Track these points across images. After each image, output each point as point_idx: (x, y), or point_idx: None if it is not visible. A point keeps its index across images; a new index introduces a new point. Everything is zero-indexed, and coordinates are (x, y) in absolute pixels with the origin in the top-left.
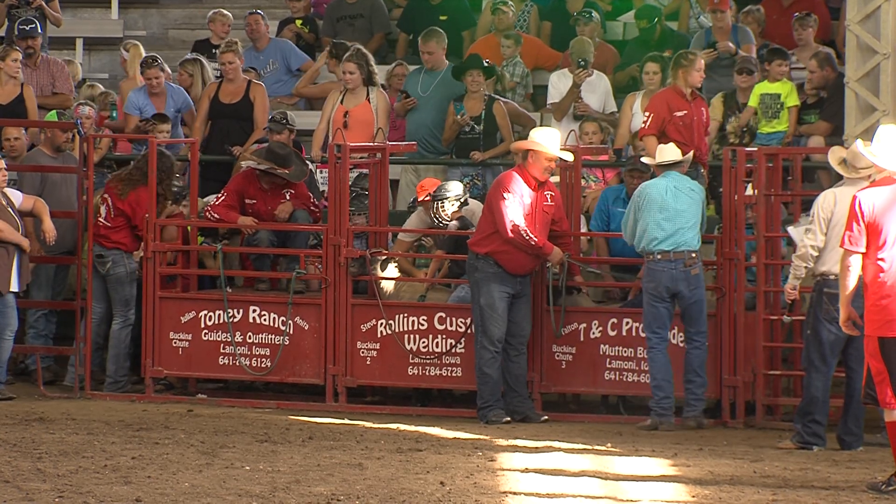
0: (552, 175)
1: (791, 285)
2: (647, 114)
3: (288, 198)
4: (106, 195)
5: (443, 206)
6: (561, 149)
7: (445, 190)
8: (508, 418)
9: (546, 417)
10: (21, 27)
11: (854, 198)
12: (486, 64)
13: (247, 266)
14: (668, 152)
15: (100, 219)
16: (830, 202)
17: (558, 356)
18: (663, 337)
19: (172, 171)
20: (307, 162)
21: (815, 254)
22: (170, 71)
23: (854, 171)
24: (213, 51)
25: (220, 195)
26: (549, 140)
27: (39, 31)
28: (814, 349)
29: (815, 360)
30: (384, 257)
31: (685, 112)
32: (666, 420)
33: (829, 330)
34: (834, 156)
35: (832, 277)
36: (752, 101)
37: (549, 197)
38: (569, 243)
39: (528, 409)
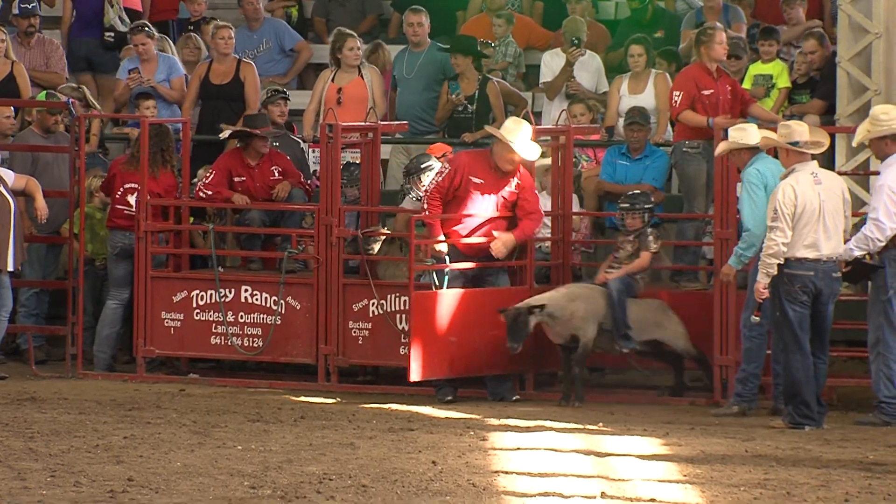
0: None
1: (763, 284)
2: (676, 93)
3: (277, 175)
4: (134, 184)
5: (420, 180)
6: (552, 125)
7: (421, 163)
8: (451, 397)
9: (518, 397)
10: (23, 6)
11: None
12: (479, 48)
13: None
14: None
15: (132, 209)
16: (791, 196)
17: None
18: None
19: (174, 145)
20: (298, 140)
21: (785, 250)
22: (158, 37)
23: (809, 147)
24: (190, 27)
25: (208, 174)
26: (515, 135)
27: (39, 9)
28: (785, 331)
29: (788, 341)
30: (382, 237)
31: (711, 91)
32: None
33: (795, 309)
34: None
35: (792, 259)
36: (746, 83)
37: (513, 183)
38: (536, 220)
39: (505, 389)
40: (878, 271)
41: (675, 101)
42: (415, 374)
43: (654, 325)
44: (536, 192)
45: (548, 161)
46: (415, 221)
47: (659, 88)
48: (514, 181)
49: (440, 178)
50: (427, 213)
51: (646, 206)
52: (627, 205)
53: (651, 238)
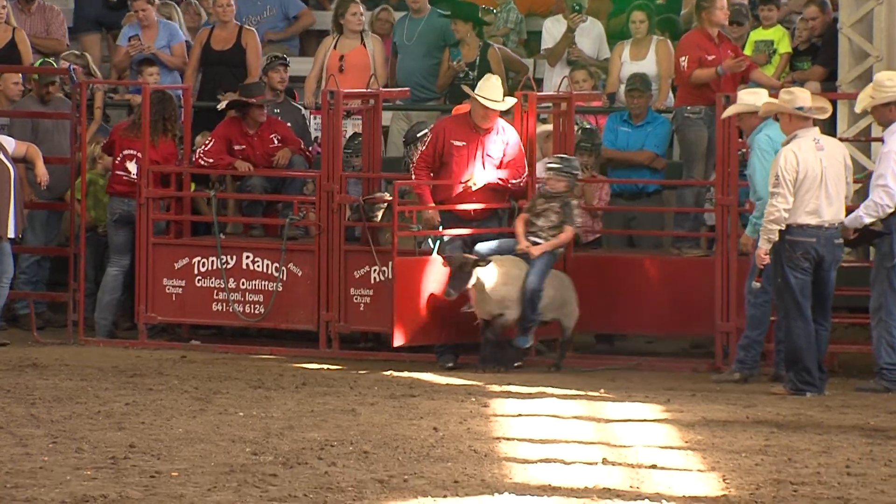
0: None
1: (764, 250)
2: (683, 57)
3: (276, 142)
4: (133, 151)
5: (418, 148)
6: (554, 91)
7: (418, 131)
8: (452, 364)
9: (520, 364)
10: None
11: None
12: (480, 14)
13: (239, 213)
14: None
15: (131, 175)
16: (793, 162)
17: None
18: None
19: (177, 112)
20: (299, 107)
21: (787, 216)
22: (162, 3)
23: (813, 112)
24: None
25: (207, 141)
26: (484, 89)
27: None
28: (787, 297)
29: (790, 307)
30: (386, 204)
31: (713, 56)
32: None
33: (796, 276)
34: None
35: (794, 225)
36: (747, 49)
37: (498, 141)
38: (515, 169)
39: (506, 355)
40: (883, 238)
41: (683, 65)
42: (398, 340)
43: (560, 306)
44: (537, 158)
45: (549, 127)
46: (398, 189)
47: (661, 55)
48: (499, 138)
49: (423, 147)
50: (413, 181)
51: (573, 172)
52: (558, 165)
53: (576, 211)
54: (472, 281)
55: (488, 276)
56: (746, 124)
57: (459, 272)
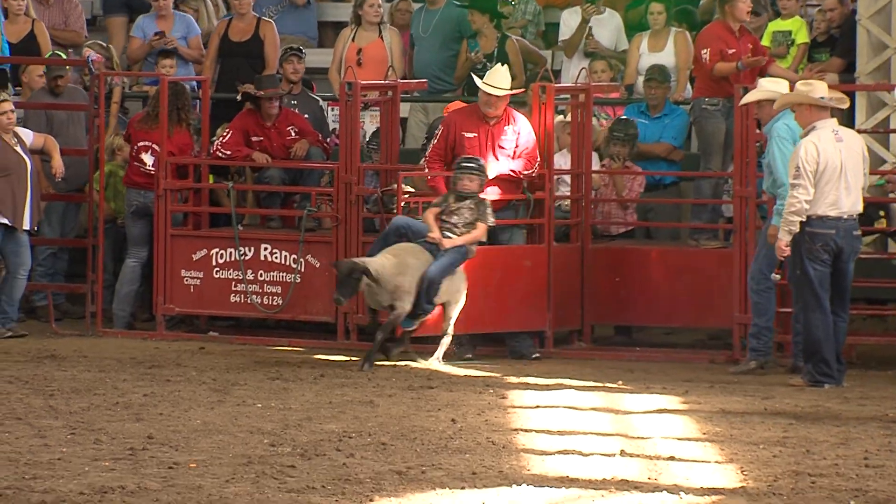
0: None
1: (784, 242)
2: (704, 49)
3: (294, 134)
4: (148, 143)
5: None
6: (572, 83)
7: (436, 127)
8: (470, 355)
9: (538, 355)
10: None
11: None
12: (498, 6)
13: (257, 205)
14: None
15: (146, 167)
16: (814, 153)
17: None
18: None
19: (190, 103)
20: (317, 98)
21: (808, 207)
22: None
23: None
24: None
25: (224, 133)
26: (489, 77)
27: None
28: (806, 289)
29: (809, 299)
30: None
31: (734, 50)
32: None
33: (815, 268)
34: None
35: (814, 217)
36: (765, 40)
37: (509, 132)
38: (528, 160)
39: (525, 346)
40: None
41: (705, 58)
42: (423, 331)
43: (448, 299)
44: (554, 150)
45: (567, 118)
46: (403, 179)
47: (679, 46)
48: (510, 129)
49: (435, 141)
50: (427, 175)
51: (483, 174)
52: (469, 164)
53: (489, 210)
54: (360, 288)
55: (383, 265)
56: (765, 113)
57: (348, 279)
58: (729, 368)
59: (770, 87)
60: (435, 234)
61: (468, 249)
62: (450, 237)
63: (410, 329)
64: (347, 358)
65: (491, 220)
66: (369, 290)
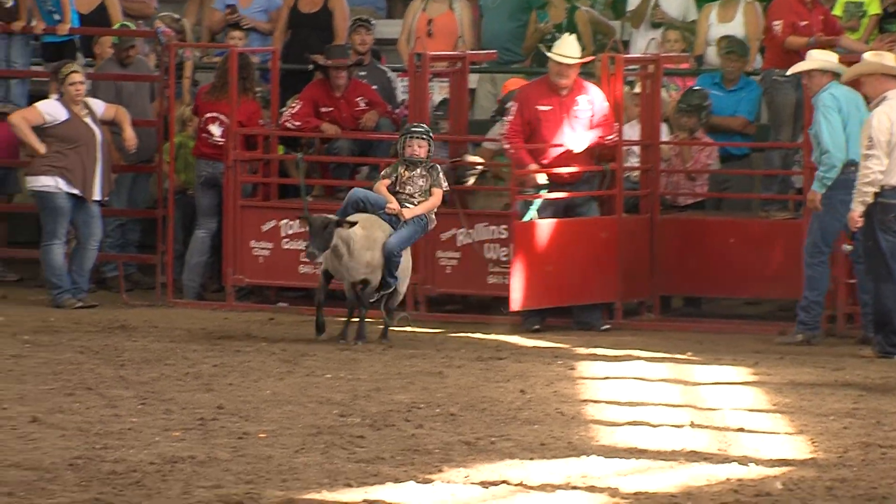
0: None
1: (858, 212)
2: (776, 21)
3: (363, 105)
4: (216, 114)
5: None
6: (640, 53)
7: (506, 103)
8: (538, 326)
9: (608, 326)
10: None
11: None
12: None
13: (326, 176)
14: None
15: (214, 138)
16: (886, 123)
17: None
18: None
19: (254, 73)
20: (385, 70)
21: (882, 177)
22: None
23: None
24: None
25: (293, 104)
26: (558, 46)
27: None
28: (877, 259)
29: (879, 270)
30: (476, 167)
31: (806, 22)
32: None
33: (887, 239)
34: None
35: (888, 188)
36: (837, 10)
37: (583, 102)
38: (605, 129)
39: (594, 318)
40: None
41: (777, 30)
42: (515, 304)
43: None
44: (623, 121)
45: (636, 90)
46: (496, 154)
47: (748, 17)
48: (583, 99)
49: (510, 118)
50: (511, 150)
51: (431, 137)
52: (418, 129)
53: (442, 175)
54: (333, 241)
55: (355, 233)
56: (815, 83)
57: (322, 232)
58: (775, 339)
59: (820, 56)
60: (394, 205)
61: (429, 219)
62: (409, 207)
63: (372, 301)
64: (416, 329)
65: (445, 185)
66: (340, 266)
